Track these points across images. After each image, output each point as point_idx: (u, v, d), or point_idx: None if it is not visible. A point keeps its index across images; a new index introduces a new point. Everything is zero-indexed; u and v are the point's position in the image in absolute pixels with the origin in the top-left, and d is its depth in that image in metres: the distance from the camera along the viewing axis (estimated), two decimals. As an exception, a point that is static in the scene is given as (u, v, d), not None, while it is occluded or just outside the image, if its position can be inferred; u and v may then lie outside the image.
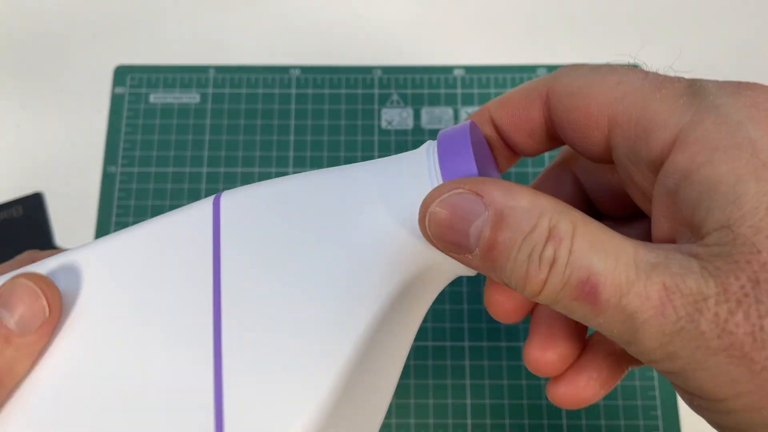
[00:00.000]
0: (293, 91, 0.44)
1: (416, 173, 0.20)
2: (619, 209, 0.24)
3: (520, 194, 0.17)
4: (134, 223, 0.41)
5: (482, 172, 0.19)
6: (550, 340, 0.23)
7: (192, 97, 0.43)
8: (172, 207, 0.41)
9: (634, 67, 0.20)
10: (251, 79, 0.44)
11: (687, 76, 0.19)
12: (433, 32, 0.45)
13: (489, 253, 0.17)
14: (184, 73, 0.44)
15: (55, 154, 0.43)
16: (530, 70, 0.44)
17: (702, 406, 0.17)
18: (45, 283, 0.20)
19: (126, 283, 0.21)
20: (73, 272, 0.21)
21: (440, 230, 0.18)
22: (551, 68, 0.44)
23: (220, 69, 0.44)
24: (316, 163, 0.42)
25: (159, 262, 0.21)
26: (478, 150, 0.20)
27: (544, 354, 0.23)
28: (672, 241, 0.18)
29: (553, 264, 0.16)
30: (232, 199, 0.21)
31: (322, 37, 0.45)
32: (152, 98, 0.43)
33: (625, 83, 0.19)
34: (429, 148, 0.20)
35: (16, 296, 0.20)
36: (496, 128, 0.22)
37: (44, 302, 0.20)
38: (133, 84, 0.44)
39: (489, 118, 0.22)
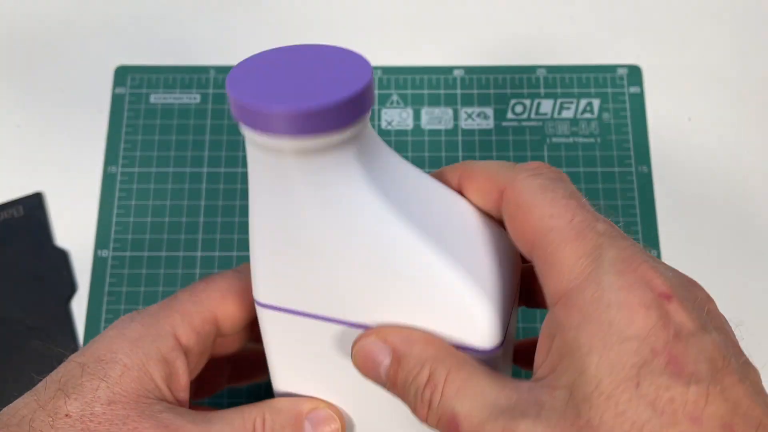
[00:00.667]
0: (293, 91, 0.44)
1: None
2: None
3: (414, 344, 0.22)
4: (134, 223, 0.41)
5: None
6: None
7: (192, 98, 0.44)
8: (173, 207, 0.41)
9: (570, 198, 0.22)
10: (251, 80, 0.44)
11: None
12: (433, 32, 0.45)
13: (392, 387, 0.23)
14: (185, 73, 0.44)
15: (56, 154, 0.43)
16: (530, 70, 0.44)
17: None
18: None
19: None
20: None
21: (360, 368, 0.23)
22: (551, 68, 0.44)
23: (221, 69, 0.44)
24: (317, 163, 0.42)
25: None
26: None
27: None
28: (535, 372, 0.21)
29: (429, 404, 0.21)
30: (259, 288, 0.25)
31: (321, 38, 0.45)
32: (153, 98, 0.44)
33: (556, 218, 0.21)
34: None
35: None
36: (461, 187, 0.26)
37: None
38: (133, 84, 0.44)
39: (457, 179, 0.26)
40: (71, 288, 0.40)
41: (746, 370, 0.19)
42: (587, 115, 0.43)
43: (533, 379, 0.21)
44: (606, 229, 0.21)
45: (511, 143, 0.42)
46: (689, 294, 0.20)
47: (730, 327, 0.21)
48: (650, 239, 0.41)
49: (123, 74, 0.44)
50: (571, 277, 0.20)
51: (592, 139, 0.42)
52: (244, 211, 0.41)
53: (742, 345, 0.21)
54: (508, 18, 0.46)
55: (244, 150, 0.42)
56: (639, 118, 0.43)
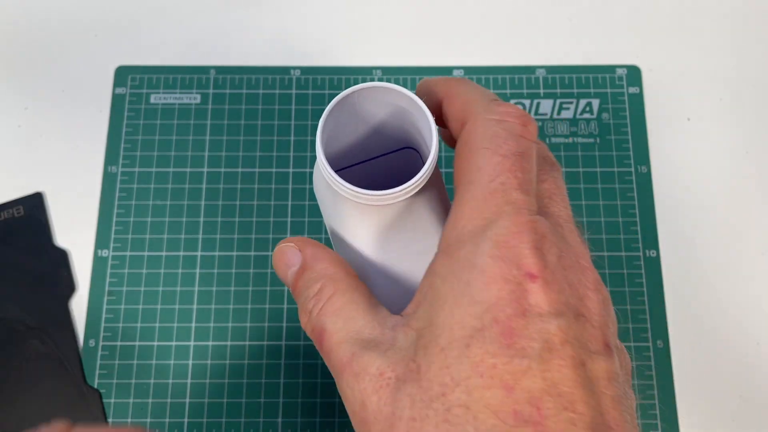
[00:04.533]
0: (293, 91, 0.44)
1: None
2: None
3: (320, 259, 0.25)
4: (135, 223, 0.41)
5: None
6: None
7: (192, 98, 0.44)
8: (173, 207, 0.41)
9: (520, 159, 0.22)
10: (251, 80, 0.44)
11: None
12: (433, 32, 0.45)
13: (292, 290, 0.25)
14: (185, 73, 0.44)
15: (56, 154, 0.43)
16: (529, 70, 0.44)
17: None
18: None
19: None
20: None
21: (274, 264, 0.26)
22: (551, 68, 0.44)
23: (221, 69, 0.44)
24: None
25: None
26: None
27: None
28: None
29: (309, 314, 0.24)
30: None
31: (322, 38, 0.45)
32: (153, 98, 0.44)
33: (479, 172, 0.22)
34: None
35: None
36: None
37: None
38: (133, 84, 0.44)
39: (441, 94, 0.26)
40: (71, 288, 0.40)
41: (598, 364, 0.20)
42: (586, 115, 0.43)
43: (403, 313, 0.23)
44: (517, 200, 0.21)
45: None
46: (574, 290, 0.21)
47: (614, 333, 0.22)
48: (649, 239, 0.41)
49: (123, 74, 0.44)
50: (461, 232, 0.21)
51: (591, 139, 0.43)
52: (244, 210, 0.41)
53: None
54: (507, 18, 0.46)
55: (243, 150, 0.42)
56: (638, 118, 0.43)
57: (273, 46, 0.45)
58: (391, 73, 0.44)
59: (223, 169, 0.42)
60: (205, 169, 0.42)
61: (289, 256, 0.25)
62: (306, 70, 0.44)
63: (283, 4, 0.46)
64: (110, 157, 0.42)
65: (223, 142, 0.43)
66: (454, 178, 0.23)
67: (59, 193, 0.42)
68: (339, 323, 0.23)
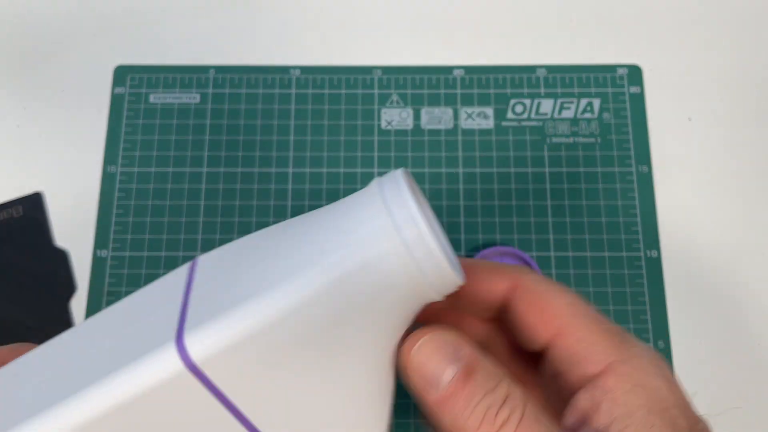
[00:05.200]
0: (293, 91, 0.44)
1: (371, 214, 0.21)
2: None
3: (485, 359, 0.22)
4: (134, 223, 0.41)
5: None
6: None
7: (192, 97, 0.43)
8: (172, 207, 0.41)
9: (573, 292, 0.25)
10: (251, 79, 0.44)
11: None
12: (433, 32, 0.45)
13: (452, 397, 0.21)
14: (184, 73, 0.44)
15: (55, 154, 0.43)
16: (530, 70, 0.44)
17: None
18: None
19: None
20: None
21: (422, 359, 0.21)
22: (551, 68, 0.44)
23: (220, 69, 0.44)
24: (316, 163, 0.42)
25: (127, 316, 0.22)
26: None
27: None
28: (575, 428, 0.23)
29: (505, 425, 0.20)
30: (207, 256, 0.23)
31: (322, 37, 0.45)
32: (152, 98, 0.44)
33: (575, 306, 0.24)
34: (380, 186, 0.21)
35: None
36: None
37: None
38: (133, 84, 0.44)
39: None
40: (71, 288, 0.40)
41: None
42: (587, 115, 0.43)
43: None
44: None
45: (511, 143, 0.42)
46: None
47: None
48: (650, 239, 0.41)
49: (122, 74, 0.44)
50: (611, 352, 0.23)
51: (592, 139, 0.42)
52: (244, 211, 0.41)
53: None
54: (508, 18, 0.46)
55: (243, 150, 0.42)
56: (639, 118, 0.43)
57: (272, 46, 0.45)
58: (390, 73, 0.44)
59: (222, 170, 0.42)
60: (205, 170, 0.42)
61: (451, 350, 0.21)
62: (305, 70, 0.44)
63: (282, 4, 0.46)
64: (109, 157, 0.42)
65: (222, 142, 0.42)
66: (532, 327, 0.24)
67: (58, 194, 0.42)
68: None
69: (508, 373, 0.22)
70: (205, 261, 0.23)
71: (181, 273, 0.23)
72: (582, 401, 0.23)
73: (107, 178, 0.42)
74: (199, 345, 0.19)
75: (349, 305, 0.20)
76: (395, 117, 0.43)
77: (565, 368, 0.24)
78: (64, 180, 0.42)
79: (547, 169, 0.42)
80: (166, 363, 0.19)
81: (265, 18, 0.46)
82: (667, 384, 0.22)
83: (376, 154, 0.42)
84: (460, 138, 0.42)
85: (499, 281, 0.25)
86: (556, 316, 0.24)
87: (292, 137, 0.43)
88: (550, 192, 0.41)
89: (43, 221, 0.41)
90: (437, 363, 0.21)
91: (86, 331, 0.23)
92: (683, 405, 0.22)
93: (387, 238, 0.20)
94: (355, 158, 0.42)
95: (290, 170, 0.42)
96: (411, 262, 0.20)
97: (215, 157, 0.42)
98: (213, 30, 0.45)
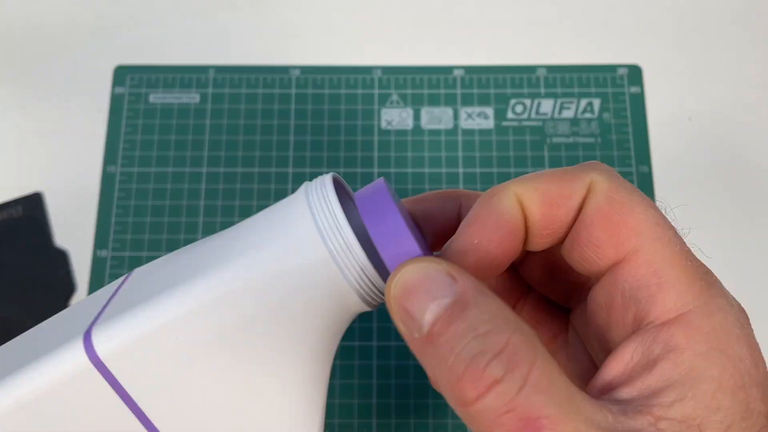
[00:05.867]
0: (293, 91, 0.44)
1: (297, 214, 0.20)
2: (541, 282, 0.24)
3: (488, 295, 0.17)
4: (134, 223, 0.41)
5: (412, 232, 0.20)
6: None
7: (192, 97, 0.43)
8: (172, 207, 0.41)
9: (659, 210, 0.20)
10: (251, 79, 0.44)
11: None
12: (433, 32, 0.45)
13: (435, 337, 0.16)
14: (184, 73, 0.44)
15: (55, 154, 0.43)
16: (530, 69, 0.44)
17: None
18: None
19: None
20: None
21: (403, 293, 0.17)
22: (551, 68, 0.44)
23: (220, 69, 0.44)
24: (316, 163, 0.42)
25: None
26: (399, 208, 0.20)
27: None
28: (612, 388, 0.18)
29: (499, 382, 0.15)
30: (142, 267, 0.23)
31: (322, 38, 0.45)
32: (152, 98, 0.43)
33: (662, 227, 0.19)
34: (307, 189, 0.21)
35: None
36: (524, 213, 0.20)
37: None
38: (132, 84, 0.44)
39: (516, 199, 0.20)
40: (70, 288, 0.40)
41: None
42: (587, 115, 0.43)
43: (612, 397, 0.17)
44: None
45: (511, 143, 0.42)
46: None
47: None
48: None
49: (122, 74, 0.44)
50: (689, 298, 0.18)
51: (592, 139, 0.42)
52: (243, 211, 0.41)
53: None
54: (508, 17, 0.46)
55: (243, 150, 0.42)
56: (639, 118, 0.43)
57: (272, 46, 0.45)
58: (390, 73, 0.44)
59: (222, 169, 0.42)
60: (204, 170, 0.42)
61: (438, 283, 0.17)
62: (305, 70, 0.44)
63: (282, 4, 0.46)
64: (109, 157, 0.42)
65: (222, 142, 0.42)
66: (601, 240, 0.19)
67: (58, 193, 0.42)
68: (563, 407, 0.15)
69: (519, 319, 0.17)
70: (139, 271, 0.23)
71: (116, 283, 0.23)
72: (631, 352, 0.18)
73: (107, 178, 0.42)
74: (104, 339, 0.19)
75: (262, 306, 0.19)
76: (395, 117, 0.43)
77: (621, 303, 0.19)
78: (64, 180, 0.42)
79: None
80: (72, 357, 0.19)
81: (265, 18, 0.46)
82: (751, 353, 0.17)
83: (376, 154, 0.42)
84: (460, 138, 0.42)
85: (570, 193, 0.19)
86: (635, 234, 0.18)
87: (292, 137, 0.43)
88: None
89: (43, 221, 0.41)
90: (420, 298, 0.17)
91: (30, 333, 0.23)
92: (765, 384, 0.17)
93: (310, 242, 0.19)
94: (355, 158, 0.42)
95: (290, 170, 0.42)
96: (335, 271, 0.19)
97: (215, 157, 0.42)
98: (213, 30, 0.45)
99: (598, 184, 0.19)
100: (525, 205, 0.19)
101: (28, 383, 0.19)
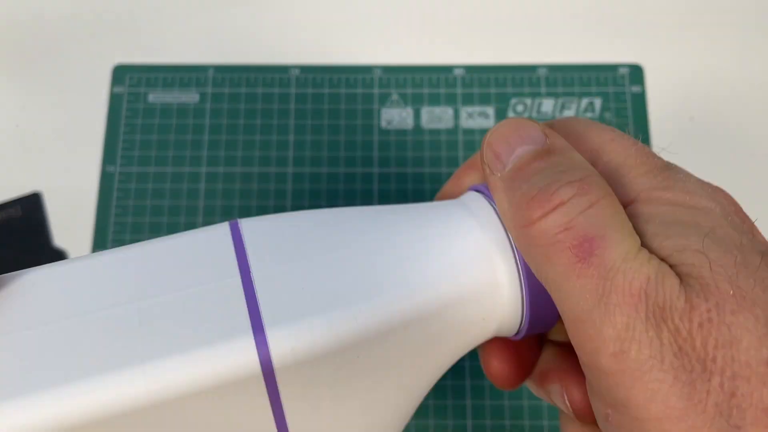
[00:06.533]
0: (293, 90, 0.43)
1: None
2: None
3: (579, 155, 0.18)
4: (133, 222, 0.41)
5: None
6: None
7: (191, 97, 0.43)
8: (171, 207, 0.41)
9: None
10: (250, 79, 0.44)
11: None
12: (433, 32, 0.45)
13: (516, 172, 0.18)
14: (183, 72, 0.44)
15: (54, 153, 0.43)
16: (531, 69, 0.44)
17: (617, 422, 0.16)
18: None
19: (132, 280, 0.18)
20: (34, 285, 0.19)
21: (496, 137, 0.19)
22: (553, 67, 0.44)
23: (220, 68, 0.44)
24: (316, 163, 0.42)
25: (175, 267, 0.18)
26: None
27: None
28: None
29: (564, 204, 0.16)
30: (250, 224, 0.19)
31: (321, 37, 0.45)
32: (151, 98, 0.43)
33: (617, 135, 0.20)
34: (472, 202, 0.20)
35: None
36: None
37: None
38: (131, 83, 0.44)
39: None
40: (69, 288, 0.40)
41: None
42: (589, 114, 0.43)
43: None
44: None
45: (511, 143, 0.42)
46: None
47: None
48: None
49: (121, 73, 0.44)
50: (649, 179, 0.19)
51: (593, 139, 0.42)
52: (243, 211, 0.41)
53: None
54: (508, 16, 0.45)
55: (242, 150, 0.42)
56: (641, 117, 0.43)
57: (272, 45, 0.45)
58: (390, 72, 0.44)
59: (222, 169, 0.42)
60: (204, 169, 0.42)
61: (531, 132, 0.18)
62: (305, 69, 0.44)
63: (282, 3, 0.46)
64: (108, 157, 0.42)
65: (221, 142, 0.42)
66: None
67: (57, 194, 0.42)
68: (624, 232, 0.16)
69: (593, 170, 0.18)
70: (253, 232, 0.19)
71: (221, 238, 0.19)
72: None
73: (106, 178, 0.42)
74: (283, 345, 0.16)
75: (431, 334, 0.18)
76: (395, 116, 0.43)
77: None
78: (63, 180, 0.42)
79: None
80: (241, 356, 0.16)
81: (264, 17, 0.46)
82: (721, 208, 0.18)
83: (376, 153, 0.42)
84: (460, 137, 0.42)
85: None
86: (592, 143, 0.20)
87: (291, 137, 0.42)
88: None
89: (41, 221, 0.41)
90: (511, 142, 0.18)
91: (106, 277, 0.18)
92: (749, 230, 0.17)
93: (484, 277, 0.18)
94: (355, 158, 0.42)
95: (290, 170, 0.42)
96: (498, 305, 0.19)
97: (214, 157, 0.42)
98: (212, 29, 0.45)
99: (559, 122, 0.21)
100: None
101: (189, 368, 0.16)
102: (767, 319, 0.15)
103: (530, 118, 0.21)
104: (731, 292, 0.15)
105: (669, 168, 0.20)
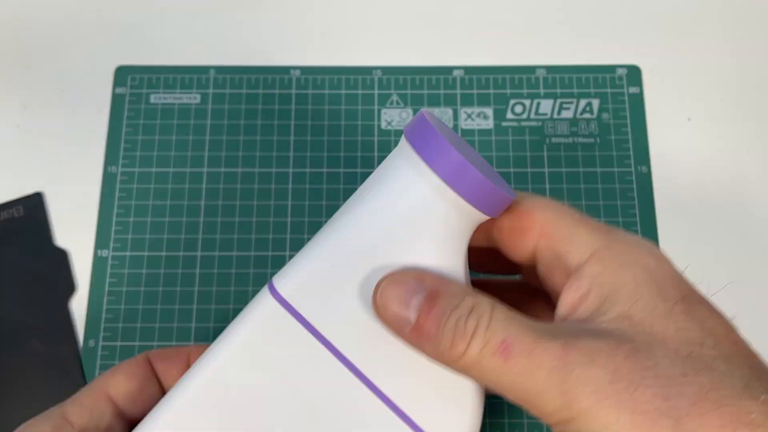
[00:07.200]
0: (293, 91, 0.44)
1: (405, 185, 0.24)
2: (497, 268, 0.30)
3: (450, 282, 0.23)
4: (135, 223, 0.41)
5: (457, 148, 0.23)
6: None
7: (192, 98, 0.44)
8: (173, 207, 0.41)
9: (562, 204, 0.26)
10: (251, 80, 0.44)
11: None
12: (433, 32, 0.45)
13: (423, 325, 0.22)
14: (185, 73, 0.44)
15: (56, 154, 0.43)
16: (530, 70, 0.44)
17: None
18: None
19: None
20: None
21: (386, 304, 0.23)
22: (551, 68, 0.44)
23: (221, 69, 0.44)
24: (316, 163, 0.42)
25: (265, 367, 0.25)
26: (442, 131, 0.24)
27: None
28: (567, 317, 0.23)
29: (475, 331, 0.21)
30: (289, 284, 0.25)
31: (322, 38, 0.45)
32: (153, 98, 0.44)
33: (559, 209, 0.26)
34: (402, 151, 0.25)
35: None
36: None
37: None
38: (133, 84, 0.44)
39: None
40: (71, 288, 0.40)
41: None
42: (587, 115, 0.43)
43: (568, 320, 0.23)
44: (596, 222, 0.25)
45: (510, 143, 0.42)
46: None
47: None
48: (649, 239, 0.41)
49: (123, 74, 0.44)
50: (594, 241, 0.23)
51: (591, 139, 0.43)
52: (244, 210, 0.41)
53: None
54: (507, 18, 0.46)
55: (243, 150, 0.42)
56: (638, 118, 0.43)
57: (273, 46, 0.45)
58: (390, 73, 0.44)
59: (222, 169, 0.42)
60: (205, 169, 0.42)
61: (411, 287, 0.22)
62: (306, 70, 0.44)
63: (282, 4, 0.46)
64: (110, 158, 0.42)
65: (222, 142, 0.43)
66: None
67: (59, 194, 0.42)
68: (520, 328, 0.21)
69: (472, 290, 0.23)
70: (304, 302, 0.25)
71: (277, 313, 0.25)
72: (570, 295, 0.23)
73: (108, 178, 0.42)
74: (283, 282, 0.24)
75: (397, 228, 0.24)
76: (395, 117, 0.43)
77: (551, 271, 0.25)
78: (65, 180, 0.42)
79: (546, 169, 0.42)
80: (262, 304, 0.25)
81: (265, 18, 0.46)
82: (655, 260, 0.23)
83: (376, 154, 0.42)
84: (459, 138, 0.42)
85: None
86: (538, 221, 0.25)
87: (292, 137, 0.43)
88: (549, 192, 0.41)
89: (43, 221, 0.41)
90: (401, 300, 0.22)
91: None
92: (674, 276, 0.23)
93: (422, 177, 0.23)
94: (355, 158, 0.42)
95: (290, 170, 0.42)
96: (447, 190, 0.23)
97: (216, 157, 0.42)
98: (213, 30, 0.45)
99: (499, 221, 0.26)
100: None
101: (233, 338, 0.25)
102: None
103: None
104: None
105: (609, 230, 0.24)
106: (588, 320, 0.22)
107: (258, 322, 0.25)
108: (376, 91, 0.44)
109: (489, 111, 0.43)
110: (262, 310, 0.25)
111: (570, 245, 0.24)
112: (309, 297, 0.24)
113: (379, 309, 0.23)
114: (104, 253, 0.40)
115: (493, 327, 0.21)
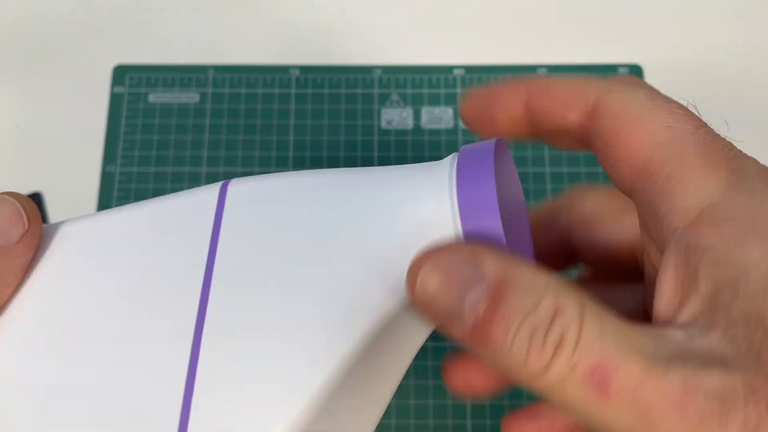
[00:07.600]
0: (293, 90, 0.43)
1: (436, 194, 0.19)
2: (608, 267, 0.23)
3: (520, 267, 0.16)
4: (133, 223, 0.41)
5: (504, 206, 0.18)
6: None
7: (191, 97, 0.43)
8: (172, 207, 0.41)
9: (687, 110, 0.19)
10: (251, 79, 0.44)
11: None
12: (433, 32, 0.45)
13: (483, 329, 0.15)
14: (184, 72, 0.44)
15: (54, 153, 0.43)
16: (530, 70, 0.44)
17: None
18: (23, 198, 0.20)
19: (115, 258, 0.20)
20: (64, 236, 0.21)
21: (431, 297, 0.16)
22: (551, 68, 0.44)
23: (220, 69, 0.44)
24: (316, 163, 0.42)
25: (153, 242, 0.20)
26: (502, 170, 0.19)
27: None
28: (671, 317, 0.16)
29: (558, 347, 0.15)
30: (240, 187, 0.21)
31: (321, 37, 0.45)
32: (151, 98, 0.43)
33: (674, 130, 0.18)
34: (452, 162, 0.19)
35: None
36: (529, 110, 0.20)
37: (22, 212, 0.20)
38: (132, 84, 0.44)
39: (524, 96, 0.20)
40: (69, 288, 0.40)
41: None
42: (588, 115, 0.43)
43: (676, 323, 0.16)
44: (733, 145, 0.17)
45: (511, 142, 0.42)
46: None
47: None
48: (651, 239, 0.40)
49: (121, 73, 0.44)
50: (710, 191, 0.16)
51: (592, 139, 0.42)
52: (243, 211, 0.41)
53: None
54: (508, 17, 0.46)
55: (242, 150, 0.42)
56: (640, 117, 0.43)
57: (272, 46, 0.45)
58: (390, 72, 0.44)
59: (222, 169, 0.42)
60: (204, 169, 0.42)
61: (463, 272, 0.16)
62: (305, 70, 0.44)
63: (282, 4, 0.46)
64: (108, 157, 0.42)
65: (221, 142, 0.42)
66: (616, 163, 0.18)
67: (57, 194, 0.42)
68: (624, 343, 0.15)
69: (550, 276, 0.16)
70: (235, 208, 0.21)
71: (208, 205, 0.21)
72: (668, 283, 0.16)
73: (106, 178, 0.42)
74: (239, 182, 0.22)
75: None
76: (395, 117, 0.43)
77: (650, 223, 0.18)
78: (64, 180, 0.42)
79: (547, 170, 0.42)
80: (203, 189, 0.21)
81: (264, 18, 0.46)
82: None
83: (376, 154, 0.42)
84: (460, 138, 0.42)
85: (573, 104, 0.19)
86: (644, 146, 0.18)
87: (292, 137, 0.42)
88: (550, 192, 0.41)
89: (42, 221, 0.41)
90: (451, 293, 0.16)
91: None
92: None
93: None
94: (355, 158, 0.42)
95: (290, 170, 0.42)
96: None
97: (215, 157, 0.42)
98: (212, 30, 0.45)
99: (604, 102, 0.19)
100: (531, 102, 0.20)
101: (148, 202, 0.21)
102: None
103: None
104: None
105: (733, 166, 0.17)
106: (703, 321, 0.15)
107: (179, 198, 0.21)
108: (376, 91, 0.43)
109: (490, 110, 0.43)
110: (197, 192, 0.21)
111: (673, 195, 0.17)
112: (245, 206, 0.20)
113: (421, 305, 0.16)
114: (102, 253, 0.40)
115: (583, 345, 0.15)
